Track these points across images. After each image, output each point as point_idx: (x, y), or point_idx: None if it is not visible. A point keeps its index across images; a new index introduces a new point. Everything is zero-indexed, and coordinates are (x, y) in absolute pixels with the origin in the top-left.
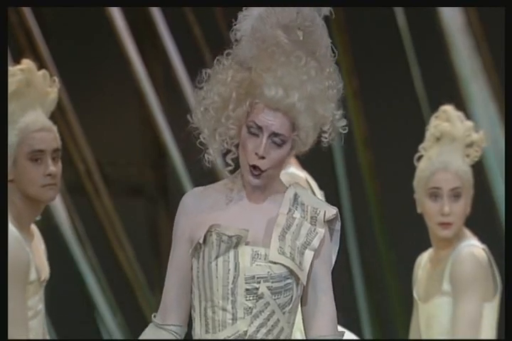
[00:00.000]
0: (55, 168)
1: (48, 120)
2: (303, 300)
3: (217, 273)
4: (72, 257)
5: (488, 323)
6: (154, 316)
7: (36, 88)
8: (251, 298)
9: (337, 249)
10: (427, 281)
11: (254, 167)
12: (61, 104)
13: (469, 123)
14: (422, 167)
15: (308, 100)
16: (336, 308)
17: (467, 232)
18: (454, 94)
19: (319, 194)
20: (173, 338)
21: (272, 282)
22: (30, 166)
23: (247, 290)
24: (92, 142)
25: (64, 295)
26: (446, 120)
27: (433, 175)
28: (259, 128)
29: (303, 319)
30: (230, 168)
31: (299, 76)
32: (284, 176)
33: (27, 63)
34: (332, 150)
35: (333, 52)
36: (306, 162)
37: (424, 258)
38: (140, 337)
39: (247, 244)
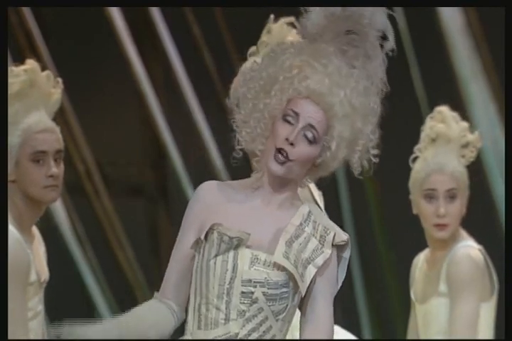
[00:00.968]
0: (57, 169)
1: (51, 121)
2: (301, 315)
3: (215, 271)
4: (72, 257)
5: (486, 323)
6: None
7: (40, 89)
8: (245, 302)
9: (343, 276)
10: (423, 282)
11: (280, 151)
12: (61, 104)
13: (464, 124)
14: (418, 168)
15: (350, 107)
16: (336, 308)
17: (463, 233)
18: (454, 94)
19: (318, 194)
20: (169, 313)
21: (268, 288)
22: (33, 167)
23: (242, 292)
24: (91, 142)
25: (64, 295)
26: (441, 121)
27: (428, 177)
28: (296, 115)
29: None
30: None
31: (347, 80)
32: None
33: (31, 64)
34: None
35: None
36: None
37: (420, 259)
38: (137, 308)
39: (247, 247)
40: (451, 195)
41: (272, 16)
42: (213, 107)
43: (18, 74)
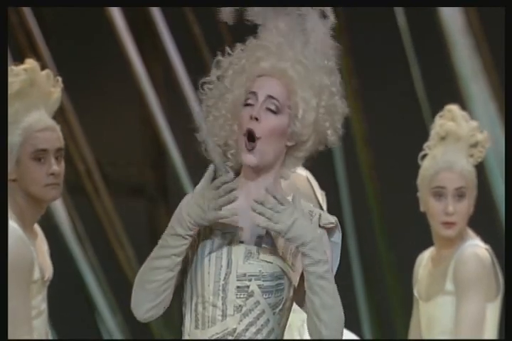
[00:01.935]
0: (58, 167)
1: (51, 120)
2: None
3: (209, 268)
4: (72, 257)
5: (491, 323)
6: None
7: (40, 88)
8: (241, 296)
9: (337, 263)
10: (428, 280)
11: (249, 135)
12: (61, 104)
13: (474, 123)
14: (427, 165)
15: (303, 67)
16: None
17: (470, 232)
18: (454, 94)
19: (320, 194)
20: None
21: (263, 280)
22: (34, 165)
23: (238, 287)
24: (92, 142)
25: (64, 294)
26: (451, 119)
27: (437, 174)
28: (254, 94)
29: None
30: (229, 163)
31: (294, 43)
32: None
33: (31, 63)
34: (332, 150)
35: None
36: (306, 162)
37: (425, 257)
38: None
39: (241, 241)
40: (459, 194)
41: None
42: None
43: (18, 74)
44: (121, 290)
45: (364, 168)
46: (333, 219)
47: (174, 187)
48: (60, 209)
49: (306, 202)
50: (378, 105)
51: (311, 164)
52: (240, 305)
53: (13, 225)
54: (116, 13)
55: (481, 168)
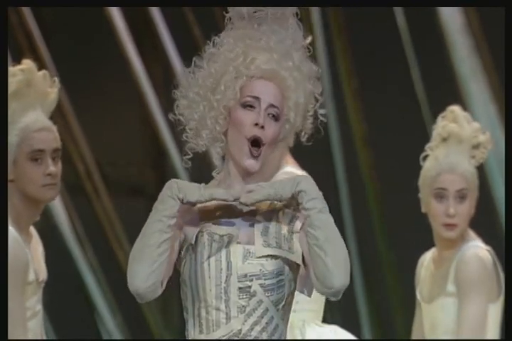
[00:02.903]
0: (55, 167)
1: (48, 120)
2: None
3: (209, 272)
4: (72, 257)
5: (493, 324)
6: None
7: (36, 88)
8: (244, 297)
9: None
10: (430, 282)
11: (254, 141)
12: (61, 104)
13: (476, 125)
14: (428, 167)
15: (300, 75)
16: (335, 309)
17: (471, 233)
18: (454, 94)
19: None
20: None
21: (265, 279)
22: (31, 166)
23: (239, 288)
24: (91, 142)
25: (63, 295)
26: (453, 120)
27: (439, 176)
28: (257, 99)
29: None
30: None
31: (290, 50)
32: (281, 175)
33: (27, 63)
34: (331, 151)
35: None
36: (306, 162)
37: (426, 259)
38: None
39: (238, 242)
40: (461, 195)
41: None
42: None
43: (14, 74)
44: (120, 291)
45: (364, 169)
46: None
47: None
48: (59, 210)
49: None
50: (378, 105)
51: (310, 165)
52: (243, 306)
53: (8, 227)
54: (115, 14)
55: (481, 169)
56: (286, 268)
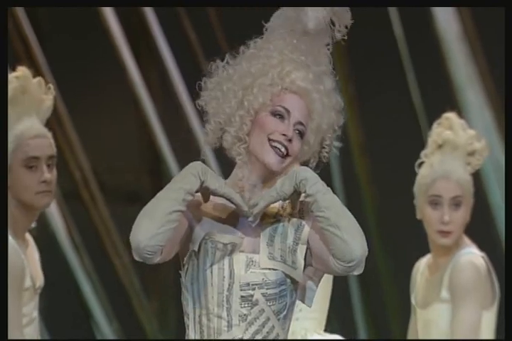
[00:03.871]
0: (50, 174)
1: (43, 127)
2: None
3: (212, 280)
4: (69, 264)
5: (487, 331)
6: None
7: (31, 95)
8: (246, 305)
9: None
10: (425, 288)
11: (279, 143)
12: (57, 110)
13: (472, 132)
14: (424, 173)
15: (328, 101)
16: (333, 314)
17: (466, 240)
18: (450, 101)
19: None
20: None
21: (267, 288)
22: (26, 173)
23: (242, 297)
24: (88, 149)
25: (60, 302)
26: (448, 127)
27: (434, 183)
28: (287, 111)
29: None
30: (241, 157)
31: (323, 75)
32: None
33: (22, 70)
34: (328, 157)
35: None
36: None
37: (422, 264)
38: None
39: (241, 251)
40: (456, 203)
41: None
42: None
43: (9, 81)
44: (117, 298)
45: (361, 175)
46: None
47: None
48: (56, 216)
49: None
50: (374, 112)
51: None
52: (244, 315)
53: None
54: (111, 18)
55: (477, 176)
56: (289, 278)
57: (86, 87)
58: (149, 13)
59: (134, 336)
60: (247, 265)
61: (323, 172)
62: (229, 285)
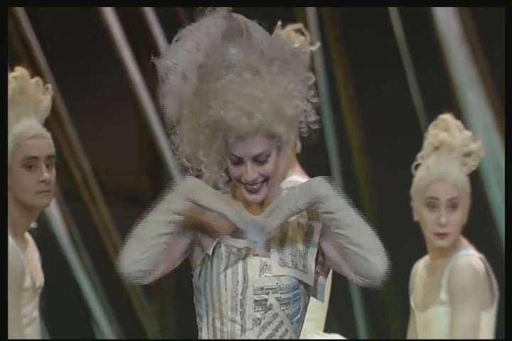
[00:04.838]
0: (49, 174)
1: (42, 127)
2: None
3: (225, 284)
4: (69, 265)
5: (486, 332)
6: None
7: (29, 95)
8: (260, 309)
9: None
10: (423, 290)
11: (251, 185)
12: (57, 111)
13: (467, 133)
14: (420, 176)
15: (272, 108)
16: (333, 316)
17: (464, 241)
18: (450, 102)
19: None
20: None
21: (281, 293)
22: (25, 173)
23: (255, 301)
24: (88, 150)
25: (60, 302)
26: (444, 129)
27: (430, 185)
28: (240, 158)
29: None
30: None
31: (252, 91)
32: (286, 184)
33: (20, 71)
34: (328, 158)
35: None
36: (304, 169)
37: (420, 266)
38: None
39: (255, 255)
40: (452, 204)
41: (279, 23)
42: None
43: (8, 82)
44: (117, 298)
45: (360, 176)
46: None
47: None
48: (56, 217)
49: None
50: (374, 112)
51: (307, 171)
52: (258, 319)
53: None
54: (112, 19)
55: (477, 176)
56: (301, 282)
57: (86, 87)
58: (150, 13)
59: (134, 336)
60: (261, 269)
61: (323, 173)
62: (243, 289)
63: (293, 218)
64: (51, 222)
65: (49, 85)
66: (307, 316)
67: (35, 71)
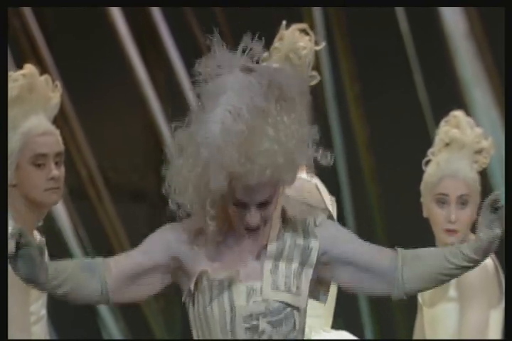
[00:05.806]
0: (58, 171)
1: (51, 124)
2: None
3: (213, 318)
4: None
5: (495, 329)
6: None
7: (38, 93)
8: (253, 336)
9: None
10: None
11: (253, 229)
12: (63, 109)
13: (479, 130)
14: (430, 172)
15: (286, 161)
16: (338, 314)
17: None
18: (457, 99)
19: (329, 200)
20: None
21: (271, 316)
22: (33, 171)
23: (247, 328)
24: (94, 147)
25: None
26: (455, 126)
27: (441, 181)
28: (245, 204)
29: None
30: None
31: (262, 142)
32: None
33: (29, 68)
34: (334, 156)
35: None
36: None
37: None
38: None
39: (240, 281)
40: (462, 201)
41: (284, 23)
42: None
43: (16, 79)
44: None
45: (366, 173)
46: (323, 214)
47: None
48: (62, 215)
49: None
50: (380, 110)
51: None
52: None
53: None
54: (118, 18)
55: (484, 174)
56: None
57: (92, 86)
58: (156, 13)
59: (141, 335)
60: (248, 295)
61: (329, 171)
62: (231, 318)
63: (291, 239)
64: (57, 219)
65: (58, 83)
66: (312, 312)
67: (41, 70)
